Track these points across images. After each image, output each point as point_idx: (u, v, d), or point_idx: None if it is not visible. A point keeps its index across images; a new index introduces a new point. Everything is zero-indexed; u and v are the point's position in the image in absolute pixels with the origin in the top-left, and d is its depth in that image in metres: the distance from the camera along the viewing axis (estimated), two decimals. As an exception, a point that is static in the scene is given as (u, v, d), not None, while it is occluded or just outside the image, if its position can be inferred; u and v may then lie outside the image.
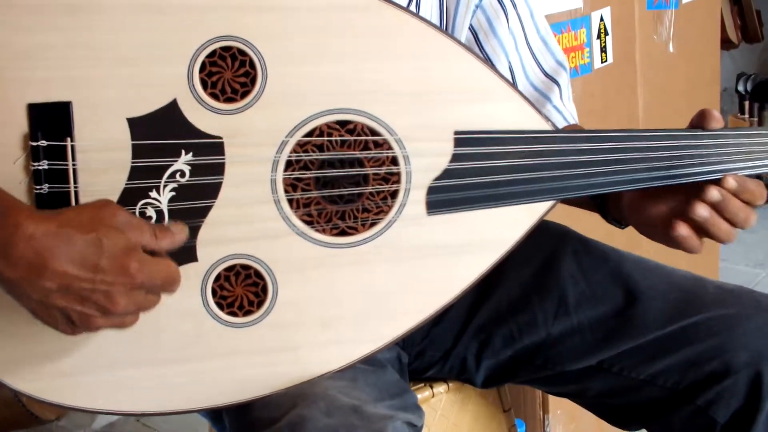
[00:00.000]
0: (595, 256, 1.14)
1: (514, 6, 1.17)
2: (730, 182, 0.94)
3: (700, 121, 1.00)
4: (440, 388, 1.24)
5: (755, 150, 1.00)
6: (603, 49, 1.91)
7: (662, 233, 0.99)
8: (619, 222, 1.11)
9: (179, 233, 0.82)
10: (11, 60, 0.82)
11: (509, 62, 1.18)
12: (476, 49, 1.17)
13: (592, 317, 1.10)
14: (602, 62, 1.91)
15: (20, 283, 0.74)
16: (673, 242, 0.97)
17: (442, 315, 1.02)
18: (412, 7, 1.09)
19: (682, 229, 0.95)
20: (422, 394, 1.22)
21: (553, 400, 1.80)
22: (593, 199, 1.11)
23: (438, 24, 1.12)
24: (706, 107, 1.02)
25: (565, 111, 1.21)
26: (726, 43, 3.37)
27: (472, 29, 1.17)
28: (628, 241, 1.20)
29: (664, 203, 0.99)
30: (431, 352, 1.19)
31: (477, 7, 1.16)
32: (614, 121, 1.95)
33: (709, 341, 1.03)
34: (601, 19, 1.89)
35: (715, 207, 0.94)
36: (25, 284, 0.74)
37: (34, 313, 0.77)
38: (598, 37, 1.89)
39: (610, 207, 1.09)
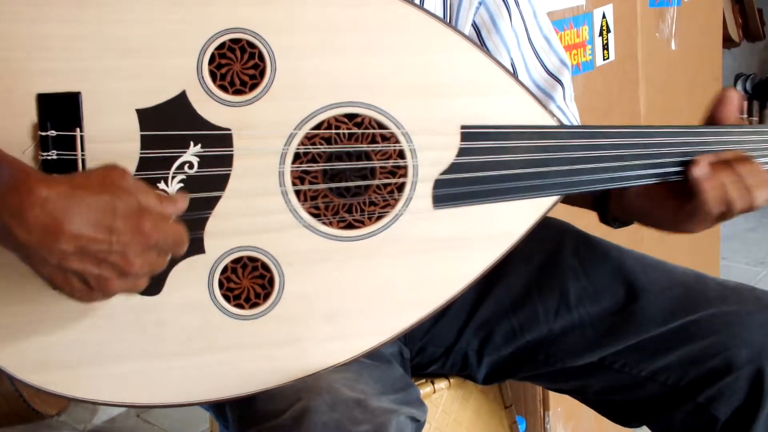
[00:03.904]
0: (596, 253, 1.14)
1: (517, 4, 1.17)
2: None
3: (718, 106, 1.02)
4: (441, 384, 1.24)
5: (759, 148, 1.01)
6: (605, 47, 1.91)
7: (673, 216, 1.01)
8: (616, 221, 1.11)
9: (181, 201, 0.82)
10: (21, 51, 0.82)
11: (511, 59, 1.18)
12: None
13: (593, 313, 1.10)
14: (604, 59, 1.91)
15: (37, 247, 0.73)
16: (683, 216, 1.00)
17: (444, 311, 1.02)
18: (416, 2, 1.09)
19: (702, 168, 0.97)
20: (424, 390, 1.22)
21: (553, 397, 1.80)
22: (593, 198, 1.11)
23: (443, 19, 1.12)
24: (707, 105, 1.03)
25: (568, 112, 1.21)
26: (727, 42, 3.37)
27: (474, 26, 1.17)
28: (628, 237, 1.20)
29: (677, 189, 1.00)
30: (433, 348, 1.19)
31: (480, 3, 1.16)
32: (616, 118, 1.95)
33: (710, 338, 1.04)
34: (603, 17, 1.89)
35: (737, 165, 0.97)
36: (42, 248, 0.73)
37: (51, 279, 0.76)
38: (600, 34, 1.89)
39: (611, 203, 1.10)
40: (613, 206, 1.10)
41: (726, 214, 0.98)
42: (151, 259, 0.78)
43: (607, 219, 1.13)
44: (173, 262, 0.86)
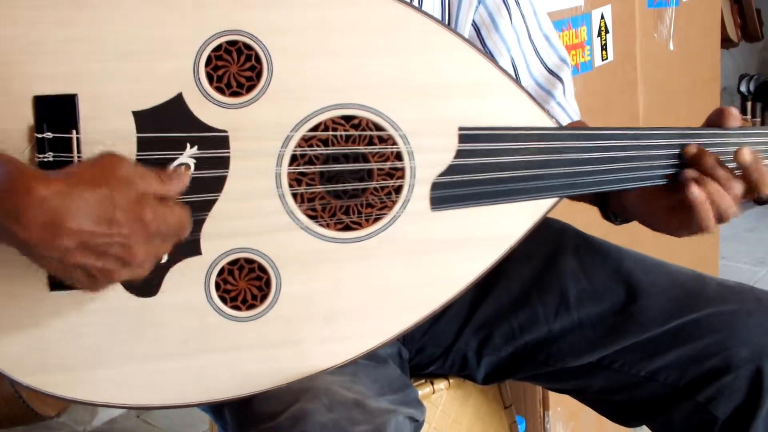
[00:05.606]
0: (596, 253, 1.14)
1: (517, 3, 1.18)
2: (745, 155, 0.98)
3: (717, 118, 1.01)
4: (441, 385, 1.24)
5: (757, 150, 1.00)
6: (603, 47, 1.91)
7: (666, 221, 1.01)
8: (617, 217, 1.11)
9: (184, 174, 0.82)
10: (18, 53, 0.81)
11: (512, 58, 1.19)
12: (478, 45, 1.17)
13: (593, 314, 1.10)
14: (603, 60, 1.91)
15: (37, 244, 0.73)
16: (677, 224, 1.00)
17: (443, 311, 1.02)
18: (415, 3, 1.09)
19: (695, 189, 0.96)
20: (423, 390, 1.22)
21: (553, 397, 1.80)
22: (593, 195, 1.11)
23: (441, 20, 1.12)
24: (708, 106, 1.03)
25: (568, 108, 1.21)
26: (726, 42, 3.37)
27: (474, 25, 1.17)
28: (628, 238, 1.20)
29: (671, 193, 1.00)
30: (432, 348, 1.19)
31: (480, 2, 1.16)
32: (615, 118, 1.95)
33: (710, 338, 1.04)
34: (602, 17, 1.90)
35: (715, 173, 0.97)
36: (43, 245, 0.73)
37: (54, 272, 0.77)
38: (599, 34, 1.89)
39: (611, 200, 1.10)
40: (613, 203, 1.10)
41: (713, 225, 1.00)
42: (154, 246, 0.78)
43: (608, 216, 1.13)
44: (171, 262, 0.86)
